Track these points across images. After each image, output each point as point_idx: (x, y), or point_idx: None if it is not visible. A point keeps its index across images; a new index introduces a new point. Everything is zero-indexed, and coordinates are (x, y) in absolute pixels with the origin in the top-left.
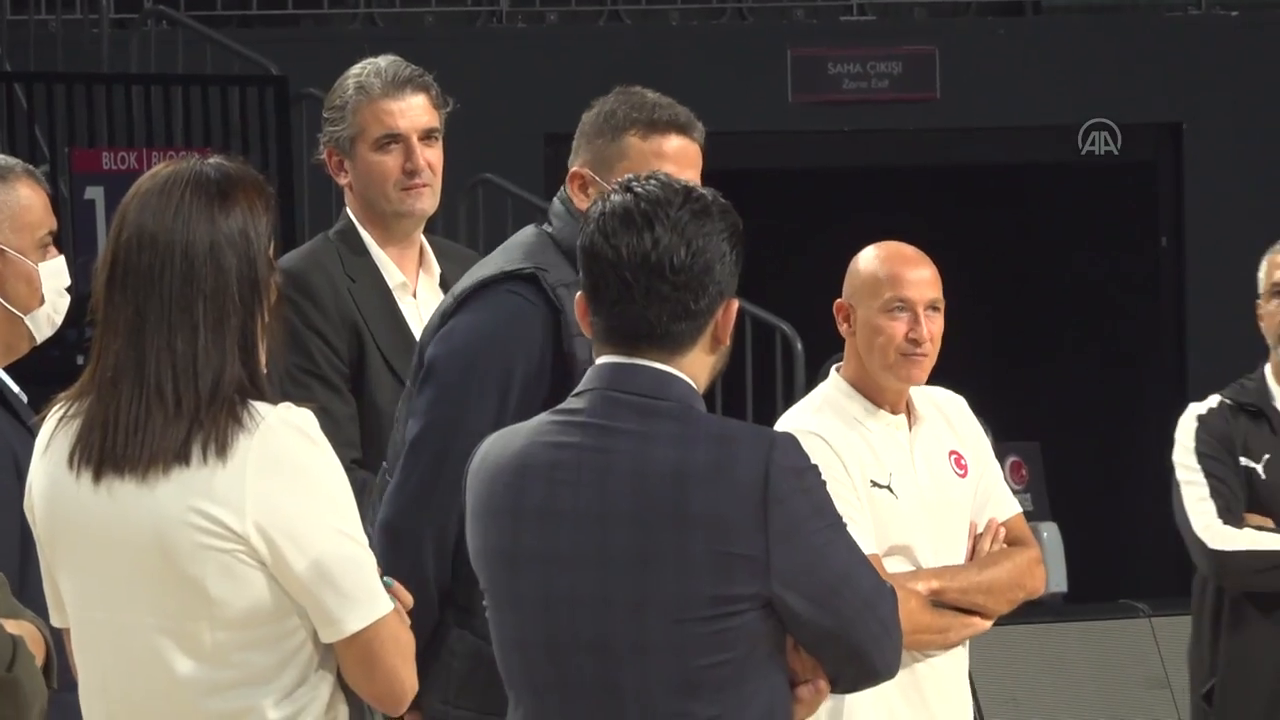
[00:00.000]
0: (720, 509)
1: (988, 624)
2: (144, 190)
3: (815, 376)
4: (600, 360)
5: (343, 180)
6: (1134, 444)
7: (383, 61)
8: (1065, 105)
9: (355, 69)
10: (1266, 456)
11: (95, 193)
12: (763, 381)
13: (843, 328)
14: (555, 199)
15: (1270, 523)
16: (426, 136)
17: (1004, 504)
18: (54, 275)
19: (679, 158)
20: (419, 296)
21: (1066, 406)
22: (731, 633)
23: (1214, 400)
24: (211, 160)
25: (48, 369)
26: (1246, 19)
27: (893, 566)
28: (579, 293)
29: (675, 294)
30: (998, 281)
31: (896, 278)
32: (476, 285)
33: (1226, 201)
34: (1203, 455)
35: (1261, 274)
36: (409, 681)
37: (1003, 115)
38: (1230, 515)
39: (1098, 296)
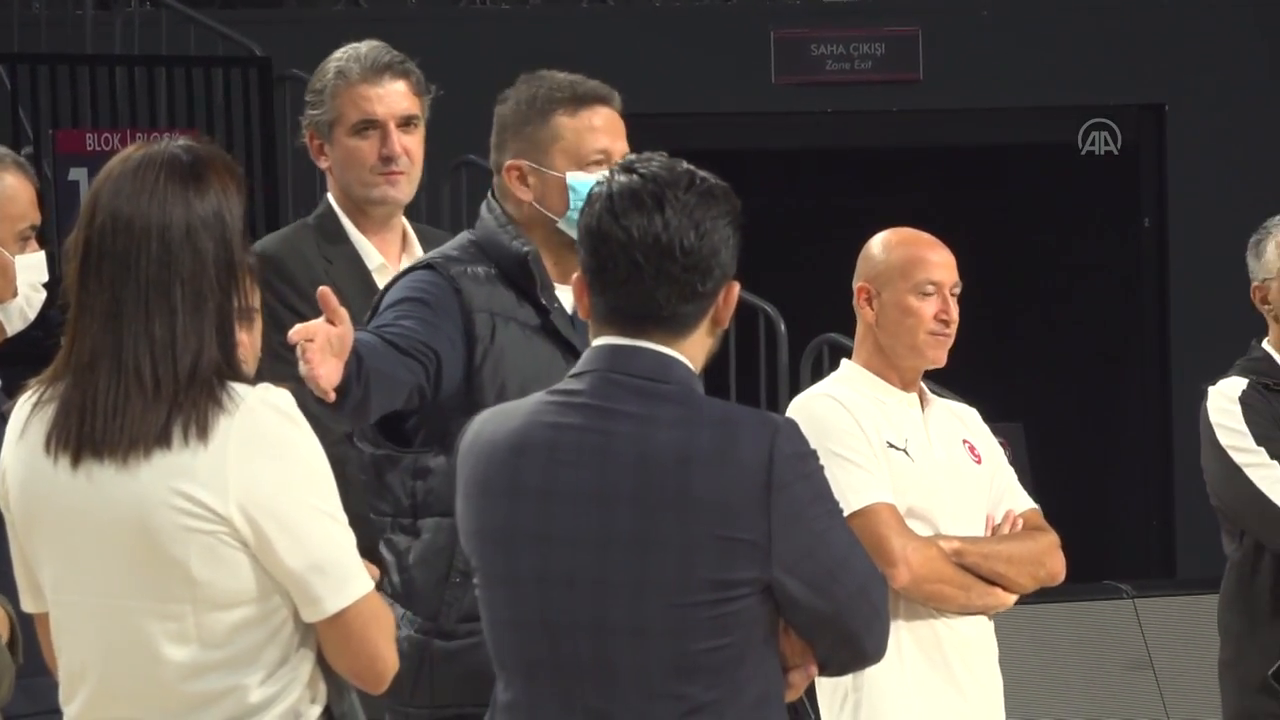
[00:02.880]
0: (724, 493)
1: (1010, 599)
2: (116, 174)
3: (800, 357)
4: (599, 342)
5: (323, 164)
6: (1117, 424)
7: (364, 47)
8: (1048, 87)
9: (338, 53)
10: None
11: (79, 174)
12: (745, 363)
13: (863, 311)
14: (483, 204)
15: None
16: (405, 123)
17: (1020, 499)
18: (30, 269)
19: (608, 129)
20: None
21: (1049, 387)
22: (731, 617)
23: (1240, 381)
24: (181, 142)
25: (30, 351)
26: None
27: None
28: (576, 274)
29: (685, 275)
30: (980, 262)
31: (926, 261)
32: (384, 289)
33: (1209, 183)
34: (1261, 438)
35: (1271, 255)
36: (390, 659)
37: (986, 96)
38: None
39: (1080, 277)
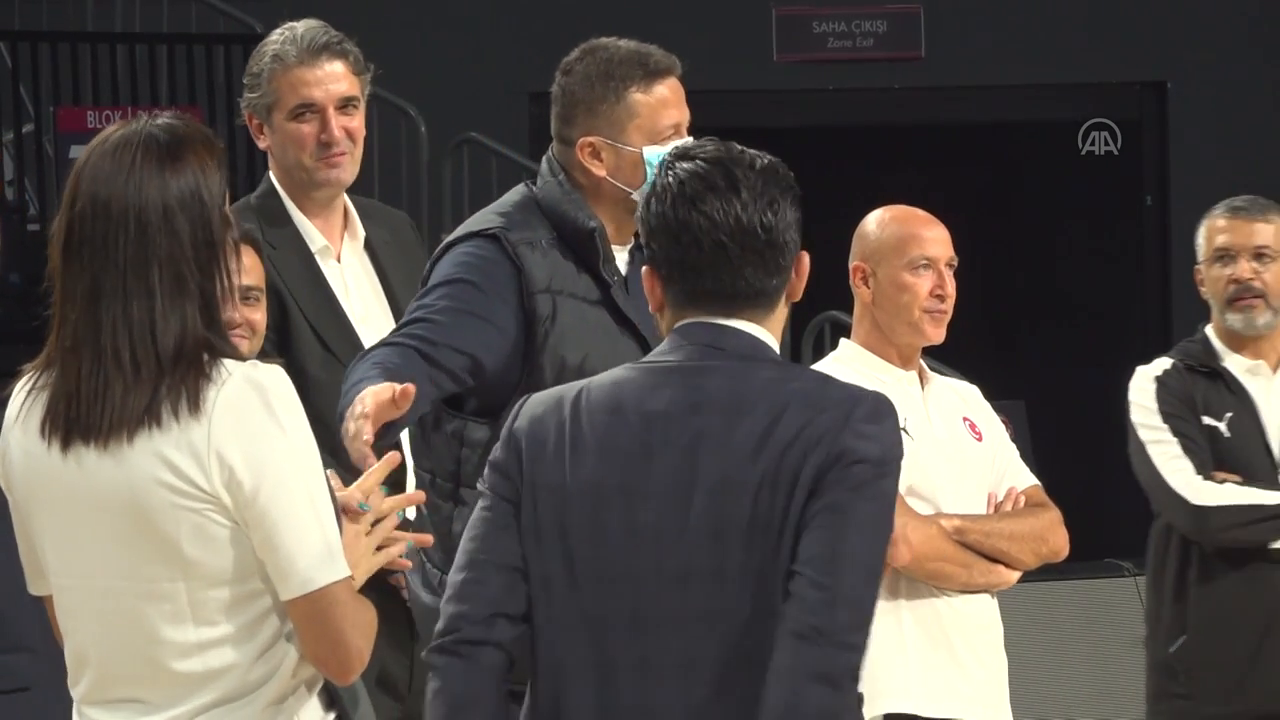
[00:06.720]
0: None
1: (1013, 576)
2: (95, 156)
3: (801, 334)
4: (685, 321)
5: (263, 144)
6: (1119, 401)
7: (301, 27)
8: (1050, 64)
9: (275, 34)
10: (1229, 415)
11: (80, 152)
12: None
13: (860, 290)
14: (544, 159)
15: (1237, 478)
16: (344, 106)
17: (1022, 476)
18: None
19: (678, 101)
20: (343, 260)
21: (1050, 364)
22: None
23: (1165, 362)
24: (160, 120)
25: (20, 331)
26: None
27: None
28: (645, 267)
29: (768, 251)
30: (982, 240)
31: (919, 237)
32: (443, 247)
33: (1210, 160)
34: (1167, 415)
35: (1201, 240)
36: (359, 650)
37: (987, 74)
38: (1205, 472)
39: (1082, 254)
